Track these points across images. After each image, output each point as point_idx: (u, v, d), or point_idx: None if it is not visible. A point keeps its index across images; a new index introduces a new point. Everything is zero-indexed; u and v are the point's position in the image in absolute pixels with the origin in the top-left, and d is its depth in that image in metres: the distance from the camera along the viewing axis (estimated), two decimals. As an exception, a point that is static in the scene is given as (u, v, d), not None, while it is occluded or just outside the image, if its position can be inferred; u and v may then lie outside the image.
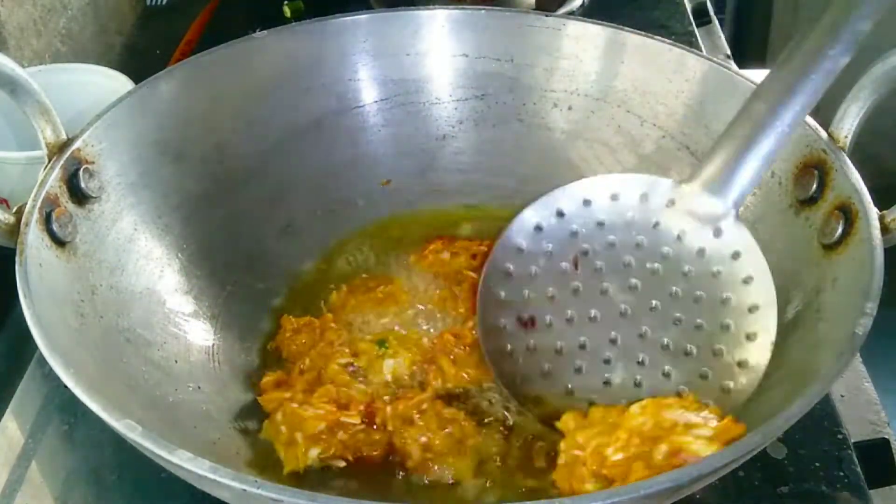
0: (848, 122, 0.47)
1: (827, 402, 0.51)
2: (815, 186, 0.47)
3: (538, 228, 0.49)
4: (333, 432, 0.46)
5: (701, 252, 0.46)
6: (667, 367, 0.46)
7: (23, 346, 0.59)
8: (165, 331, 0.50)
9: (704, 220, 0.46)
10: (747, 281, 0.45)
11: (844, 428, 0.50)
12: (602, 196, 0.48)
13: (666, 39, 0.58)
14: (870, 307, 0.39)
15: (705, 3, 0.99)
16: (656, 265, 0.47)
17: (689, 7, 0.95)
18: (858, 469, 0.47)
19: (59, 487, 0.49)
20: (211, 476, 0.33)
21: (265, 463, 0.46)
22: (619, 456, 0.40)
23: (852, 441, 0.49)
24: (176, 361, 0.49)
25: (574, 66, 0.60)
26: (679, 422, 0.40)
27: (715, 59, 0.56)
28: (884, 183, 0.51)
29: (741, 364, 0.44)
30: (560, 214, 0.48)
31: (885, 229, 0.43)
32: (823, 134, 0.48)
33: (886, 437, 0.51)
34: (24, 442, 0.52)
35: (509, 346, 0.48)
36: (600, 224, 0.48)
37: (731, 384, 0.44)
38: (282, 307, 0.56)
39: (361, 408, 0.47)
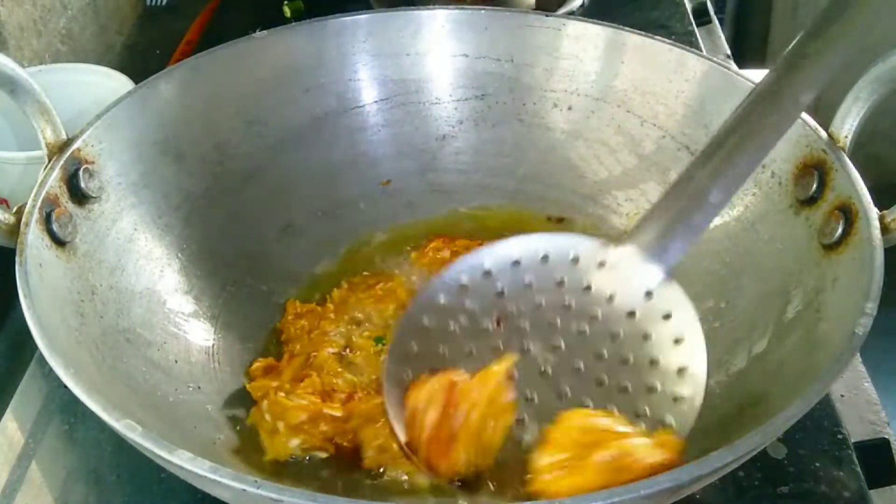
0: (848, 122, 0.47)
1: (827, 402, 0.51)
2: (815, 186, 0.47)
3: (463, 287, 0.47)
4: (315, 423, 0.47)
5: (631, 314, 0.45)
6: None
7: (23, 346, 0.59)
8: (165, 331, 0.50)
9: (636, 282, 0.45)
10: (678, 341, 0.44)
11: (844, 428, 0.50)
12: (532, 257, 0.47)
13: (666, 39, 0.58)
14: (870, 307, 0.39)
15: (705, 3, 0.99)
16: (584, 327, 0.45)
17: (689, 7, 0.95)
18: (858, 469, 0.47)
19: (59, 487, 0.49)
20: (211, 476, 0.33)
21: (251, 449, 0.47)
22: (553, 459, 0.39)
23: (852, 441, 0.49)
24: (176, 361, 0.49)
25: (574, 66, 0.60)
26: (613, 429, 0.40)
27: (715, 59, 0.56)
28: (884, 183, 0.51)
29: (664, 424, 0.43)
30: (487, 274, 0.47)
31: (885, 229, 0.43)
32: (823, 134, 0.48)
33: (886, 437, 0.51)
34: (24, 442, 0.52)
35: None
36: (528, 286, 0.46)
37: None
38: (282, 307, 0.56)
39: (343, 396, 0.48)
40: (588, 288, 0.46)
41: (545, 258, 0.47)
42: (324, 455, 0.47)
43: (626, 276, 0.45)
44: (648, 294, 0.45)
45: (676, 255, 0.45)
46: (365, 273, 0.58)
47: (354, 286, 0.56)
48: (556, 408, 0.42)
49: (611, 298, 0.46)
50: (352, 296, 0.55)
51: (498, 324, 0.45)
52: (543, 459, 0.39)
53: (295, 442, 0.46)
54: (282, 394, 0.47)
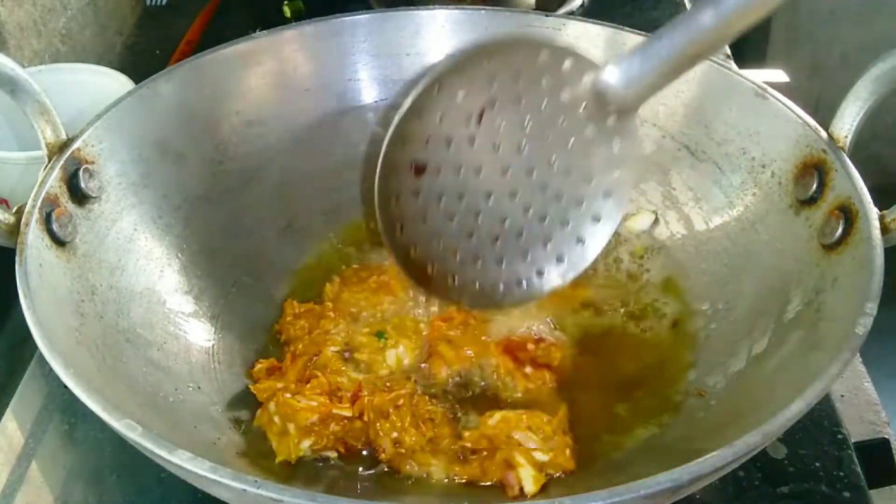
0: (848, 122, 0.47)
1: (827, 402, 0.51)
2: (815, 186, 0.47)
3: (461, 69, 0.46)
4: (326, 424, 0.47)
5: (590, 127, 0.47)
6: (523, 225, 0.48)
7: (23, 346, 0.59)
8: (165, 331, 0.50)
9: (608, 105, 0.46)
10: (616, 166, 0.47)
11: (844, 428, 0.50)
12: (530, 52, 0.46)
13: (666, 39, 0.57)
14: (870, 307, 0.39)
15: (705, 3, 0.99)
16: (548, 129, 0.47)
17: (688, 7, 0.95)
18: (858, 469, 0.47)
19: (59, 487, 0.49)
20: (211, 476, 0.33)
21: (258, 452, 0.46)
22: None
23: (852, 441, 0.49)
24: (176, 361, 0.49)
25: (574, 66, 0.60)
26: (522, 443, 0.45)
27: (715, 59, 0.56)
28: (884, 183, 0.51)
29: (580, 239, 0.48)
30: (488, 59, 0.46)
31: (885, 229, 0.43)
32: (823, 134, 0.48)
33: (886, 437, 0.51)
34: (24, 442, 0.52)
35: (399, 192, 0.47)
36: (516, 75, 0.47)
37: (566, 254, 0.48)
38: (281, 307, 0.56)
39: (348, 395, 0.48)
40: (563, 92, 0.47)
41: (541, 55, 0.46)
42: (334, 455, 0.47)
43: (601, 95, 0.46)
44: (613, 121, 0.47)
45: (651, 87, 0.45)
46: (355, 266, 0.58)
47: (346, 280, 0.56)
48: (507, 208, 0.47)
49: (581, 107, 0.47)
50: (345, 290, 0.55)
51: (480, 116, 0.46)
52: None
53: (306, 443, 0.46)
54: (288, 395, 0.47)
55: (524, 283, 0.49)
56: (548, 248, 0.48)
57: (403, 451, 0.46)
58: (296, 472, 0.46)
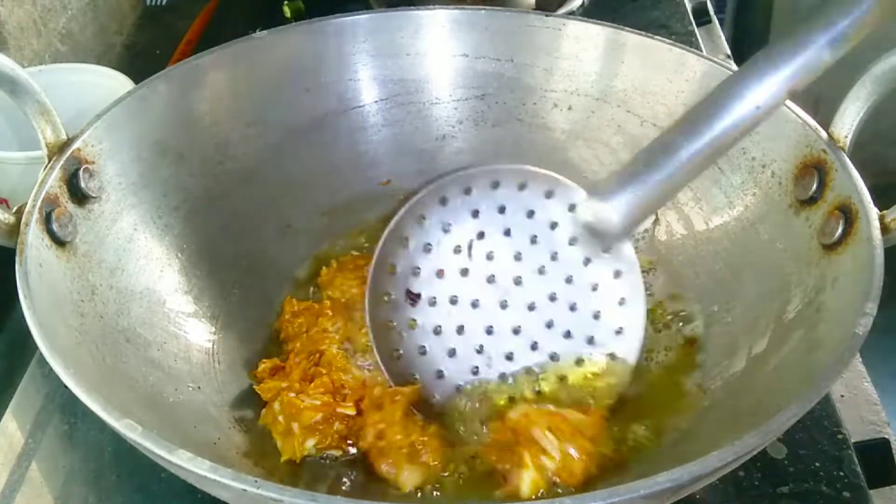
0: (848, 122, 0.47)
1: (827, 402, 0.51)
2: (815, 186, 0.47)
3: (443, 201, 0.49)
4: (330, 423, 0.47)
5: (587, 262, 0.49)
6: (530, 365, 0.49)
7: (23, 346, 0.59)
8: (165, 331, 0.50)
9: (598, 233, 0.48)
10: (622, 303, 0.49)
11: (844, 428, 0.50)
12: (511, 183, 0.49)
13: (666, 39, 0.58)
14: (870, 307, 0.39)
15: (705, 3, 0.99)
16: (544, 264, 0.49)
17: (689, 7, 0.95)
18: (858, 469, 0.47)
19: (59, 487, 0.49)
20: (211, 476, 0.33)
21: (263, 451, 0.46)
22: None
23: (852, 441, 0.49)
24: (176, 361, 0.49)
25: (574, 66, 0.60)
26: (539, 442, 0.44)
27: (715, 59, 0.56)
28: (884, 183, 0.51)
29: (597, 380, 0.48)
30: (468, 192, 0.49)
31: (885, 229, 0.43)
32: (823, 134, 0.48)
33: (886, 437, 0.51)
34: (24, 442, 0.52)
35: (393, 322, 0.49)
36: (502, 209, 0.49)
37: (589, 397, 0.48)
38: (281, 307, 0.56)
39: (352, 394, 0.48)
40: (555, 226, 0.49)
41: (522, 186, 0.49)
42: (338, 454, 0.47)
43: (590, 224, 0.47)
44: (607, 248, 0.48)
45: (640, 216, 0.46)
46: (354, 252, 0.58)
47: (343, 265, 0.56)
48: (510, 342, 0.48)
49: (572, 242, 0.49)
50: (339, 275, 0.55)
51: (469, 248, 0.48)
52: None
53: (310, 442, 0.46)
54: (292, 394, 0.47)
55: None
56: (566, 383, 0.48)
57: (383, 444, 0.46)
58: (300, 472, 0.46)
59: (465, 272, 0.49)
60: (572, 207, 0.48)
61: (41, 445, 0.51)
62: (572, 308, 0.49)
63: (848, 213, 0.44)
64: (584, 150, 0.61)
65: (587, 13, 0.85)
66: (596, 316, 0.49)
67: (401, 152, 0.63)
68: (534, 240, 0.49)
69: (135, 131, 0.52)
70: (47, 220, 0.45)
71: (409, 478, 0.45)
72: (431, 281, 0.49)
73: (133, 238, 0.51)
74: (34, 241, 0.43)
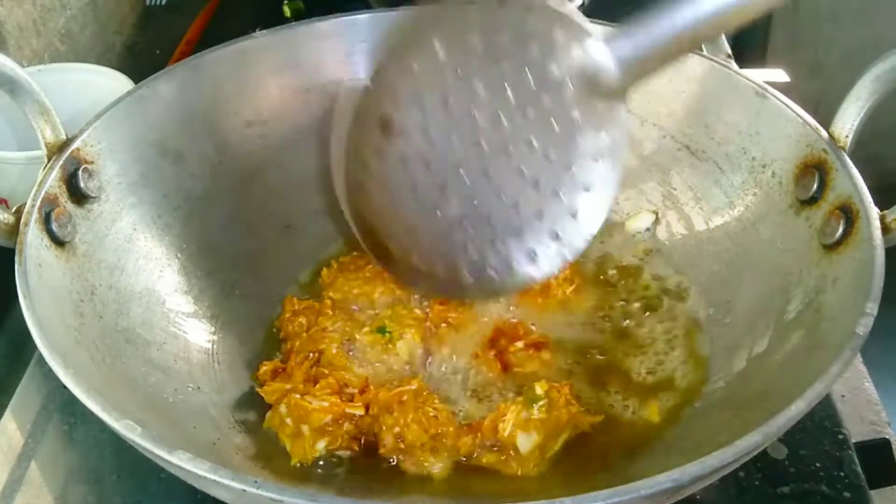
0: (848, 122, 0.47)
1: (827, 403, 0.51)
2: (815, 186, 0.47)
3: (440, 14, 0.42)
4: (339, 424, 0.47)
5: (577, 116, 0.44)
6: (492, 210, 0.45)
7: (23, 346, 0.59)
8: (165, 331, 0.50)
9: (597, 85, 0.43)
10: (595, 158, 0.45)
11: (845, 428, 0.50)
12: (518, 10, 0.42)
13: (666, 39, 0.57)
14: (870, 307, 0.39)
15: (705, 3, 0.99)
16: (527, 114, 0.44)
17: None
18: (859, 469, 0.47)
19: (59, 487, 0.49)
20: (211, 476, 0.33)
21: (270, 454, 0.46)
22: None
23: (853, 441, 0.49)
24: (176, 361, 0.49)
25: (574, 65, 0.60)
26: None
27: (716, 58, 0.56)
28: (884, 183, 0.51)
29: (556, 236, 0.46)
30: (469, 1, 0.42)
31: (885, 229, 0.43)
32: (824, 134, 0.48)
33: (887, 437, 0.51)
34: (24, 442, 0.52)
35: (364, 149, 0.44)
36: (501, 32, 0.42)
37: (539, 252, 0.46)
38: (281, 307, 0.56)
39: (357, 391, 0.48)
40: (548, 70, 0.43)
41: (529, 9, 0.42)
42: (348, 454, 0.47)
43: (587, 74, 0.43)
44: (600, 100, 0.44)
45: (648, 71, 0.43)
46: (355, 253, 0.58)
47: (344, 266, 0.56)
48: (478, 188, 0.44)
49: (566, 89, 0.43)
50: (340, 276, 0.55)
51: (457, 77, 0.42)
52: None
53: (321, 444, 0.46)
54: (298, 396, 0.47)
55: (490, 272, 0.45)
56: (520, 241, 0.45)
57: (404, 446, 0.46)
58: (310, 473, 0.46)
59: (445, 102, 0.43)
60: (574, 47, 0.43)
61: (41, 445, 0.51)
62: (546, 157, 0.44)
63: (848, 213, 0.44)
64: (585, 150, 0.61)
65: (587, 13, 0.84)
66: (566, 167, 0.45)
67: (401, 152, 0.62)
68: (525, 76, 0.43)
69: (134, 131, 0.52)
70: (47, 220, 0.45)
71: (440, 469, 0.46)
72: (410, 109, 0.42)
73: (133, 238, 0.51)
74: (33, 241, 0.43)
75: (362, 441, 0.47)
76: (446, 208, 0.45)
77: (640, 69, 0.42)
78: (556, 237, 0.46)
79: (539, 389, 0.46)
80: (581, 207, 0.45)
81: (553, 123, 0.44)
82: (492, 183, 0.45)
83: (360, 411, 0.47)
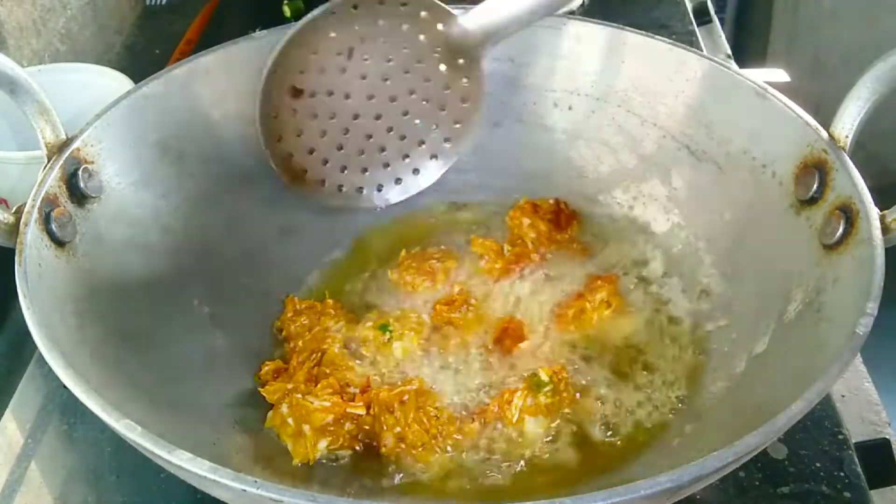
0: (848, 122, 0.47)
1: (827, 403, 0.51)
2: (815, 186, 0.47)
3: (332, 12, 0.54)
4: (341, 423, 0.47)
5: (444, 70, 0.57)
6: (385, 142, 0.59)
7: (23, 346, 0.59)
8: (165, 331, 0.50)
9: (458, 47, 0.55)
10: (464, 101, 0.59)
11: (845, 428, 0.50)
12: (393, 7, 0.54)
13: (666, 39, 0.58)
14: (871, 307, 0.39)
15: (706, 3, 0.99)
16: (409, 70, 0.57)
17: (689, 7, 0.95)
18: (859, 469, 0.47)
19: (59, 487, 0.49)
20: (211, 476, 0.33)
21: (270, 454, 0.46)
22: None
23: (853, 441, 0.49)
24: (176, 361, 0.49)
25: (574, 65, 0.60)
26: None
27: (715, 58, 0.56)
28: (885, 183, 0.51)
29: (433, 155, 0.60)
30: (355, 7, 0.54)
31: (885, 229, 0.43)
32: (824, 134, 0.48)
33: (887, 437, 0.51)
34: (24, 442, 0.52)
35: (279, 109, 0.56)
36: (380, 19, 0.55)
37: (421, 166, 0.61)
38: (282, 305, 0.56)
39: (358, 391, 0.48)
40: (420, 39, 0.56)
41: (403, 3, 0.55)
42: (349, 454, 0.47)
43: (450, 41, 0.56)
44: (462, 60, 0.56)
45: (497, 37, 0.55)
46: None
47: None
48: (372, 127, 0.58)
49: (437, 51, 0.56)
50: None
51: (350, 54, 0.56)
52: None
53: (322, 444, 0.46)
54: (299, 395, 0.47)
55: (383, 188, 0.60)
56: (405, 162, 0.60)
57: (405, 446, 0.46)
58: (312, 473, 0.46)
59: (343, 70, 0.56)
60: (439, 22, 0.55)
61: (41, 445, 0.51)
62: (424, 100, 0.58)
63: (849, 213, 0.44)
64: (585, 150, 0.61)
65: (587, 13, 0.85)
66: (441, 107, 0.59)
67: (401, 152, 0.63)
68: (402, 46, 0.56)
69: (134, 131, 0.52)
70: (47, 220, 0.45)
71: (440, 467, 0.46)
72: (314, 77, 0.56)
73: (133, 238, 0.51)
74: (34, 241, 0.43)
75: (363, 441, 0.47)
76: (349, 144, 0.58)
77: (490, 34, 0.55)
78: (435, 157, 0.61)
79: (544, 375, 0.48)
80: (441, 152, 0.60)
81: (427, 76, 0.58)
82: (384, 122, 0.59)
83: (361, 411, 0.47)
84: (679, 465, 0.33)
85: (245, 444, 0.47)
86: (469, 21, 0.55)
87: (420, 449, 0.46)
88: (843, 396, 0.53)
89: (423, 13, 0.55)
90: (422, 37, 0.56)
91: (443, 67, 0.57)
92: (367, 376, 0.50)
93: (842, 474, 0.47)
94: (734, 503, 0.46)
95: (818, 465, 0.48)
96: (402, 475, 0.46)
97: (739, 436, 0.34)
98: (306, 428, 0.46)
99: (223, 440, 0.46)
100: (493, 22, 0.54)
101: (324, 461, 0.47)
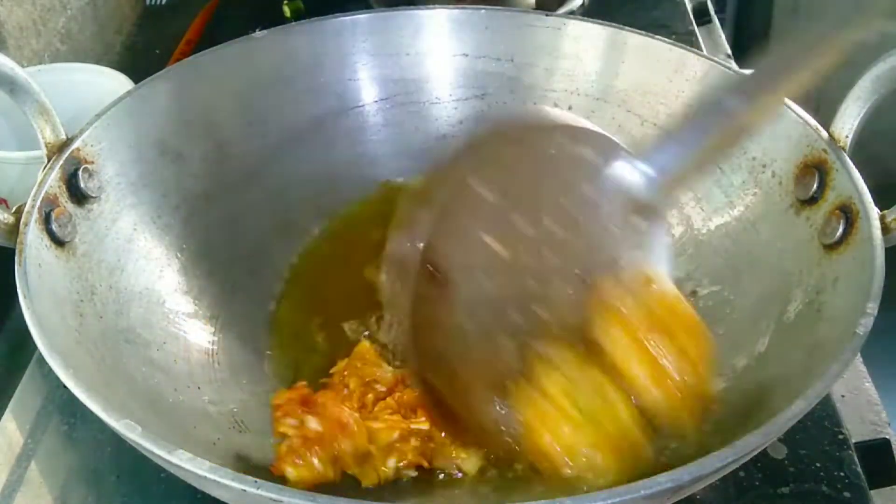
0: (848, 122, 0.47)
1: (827, 403, 0.51)
2: (815, 186, 0.47)
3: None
4: (406, 440, 0.45)
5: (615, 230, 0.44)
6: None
7: (23, 346, 0.59)
8: (165, 331, 0.50)
9: (637, 204, 0.44)
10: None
11: (845, 428, 0.50)
12: (550, 138, 0.43)
13: (666, 39, 0.58)
14: (871, 307, 0.39)
15: (706, 3, 0.99)
16: (571, 236, 0.43)
17: (689, 6, 0.95)
18: (859, 469, 0.47)
19: (59, 487, 0.49)
20: (211, 476, 0.33)
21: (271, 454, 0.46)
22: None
23: (853, 441, 0.49)
24: (176, 361, 0.49)
25: (574, 65, 0.60)
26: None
27: (716, 58, 0.56)
28: (885, 183, 0.51)
29: None
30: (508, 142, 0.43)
31: (885, 229, 0.43)
32: (824, 133, 0.48)
33: (887, 437, 0.51)
34: (23, 442, 0.52)
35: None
36: (537, 168, 0.43)
37: None
38: (282, 307, 0.56)
39: (384, 389, 0.47)
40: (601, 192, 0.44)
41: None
42: (414, 473, 0.45)
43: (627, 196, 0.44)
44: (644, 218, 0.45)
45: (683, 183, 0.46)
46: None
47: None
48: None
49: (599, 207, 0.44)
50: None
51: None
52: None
53: (391, 462, 0.44)
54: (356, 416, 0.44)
55: None
56: None
57: (433, 445, 0.45)
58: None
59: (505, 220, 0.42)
60: (612, 168, 0.44)
61: (41, 445, 0.51)
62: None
63: (849, 213, 0.44)
64: (585, 150, 0.61)
65: (587, 13, 0.85)
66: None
67: (401, 152, 0.63)
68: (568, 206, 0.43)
69: (134, 131, 0.52)
70: (46, 220, 0.45)
71: (472, 463, 0.45)
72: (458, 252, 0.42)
73: (133, 238, 0.51)
74: (33, 241, 0.43)
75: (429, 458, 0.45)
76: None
77: (671, 185, 0.44)
78: None
79: None
80: None
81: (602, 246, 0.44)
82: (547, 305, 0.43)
83: (424, 426, 0.45)
84: (679, 464, 0.33)
85: (242, 443, 0.47)
86: (649, 174, 0.44)
87: (448, 446, 0.44)
88: (843, 396, 0.53)
89: (586, 150, 0.43)
90: (591, 187, 0.43)
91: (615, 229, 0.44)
92: (397, 375, 0.49)
93: (842, 474, 0.47)
94: (734, 503, 0.46)
95: (818, 464, 0.48)
96: (429, 474, 0.45)
97: (739, 435, 0.34)
98: (372, 448, 0.44)
99: (223, 440, 0.46)
100: (677, 167, 0.44)
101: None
